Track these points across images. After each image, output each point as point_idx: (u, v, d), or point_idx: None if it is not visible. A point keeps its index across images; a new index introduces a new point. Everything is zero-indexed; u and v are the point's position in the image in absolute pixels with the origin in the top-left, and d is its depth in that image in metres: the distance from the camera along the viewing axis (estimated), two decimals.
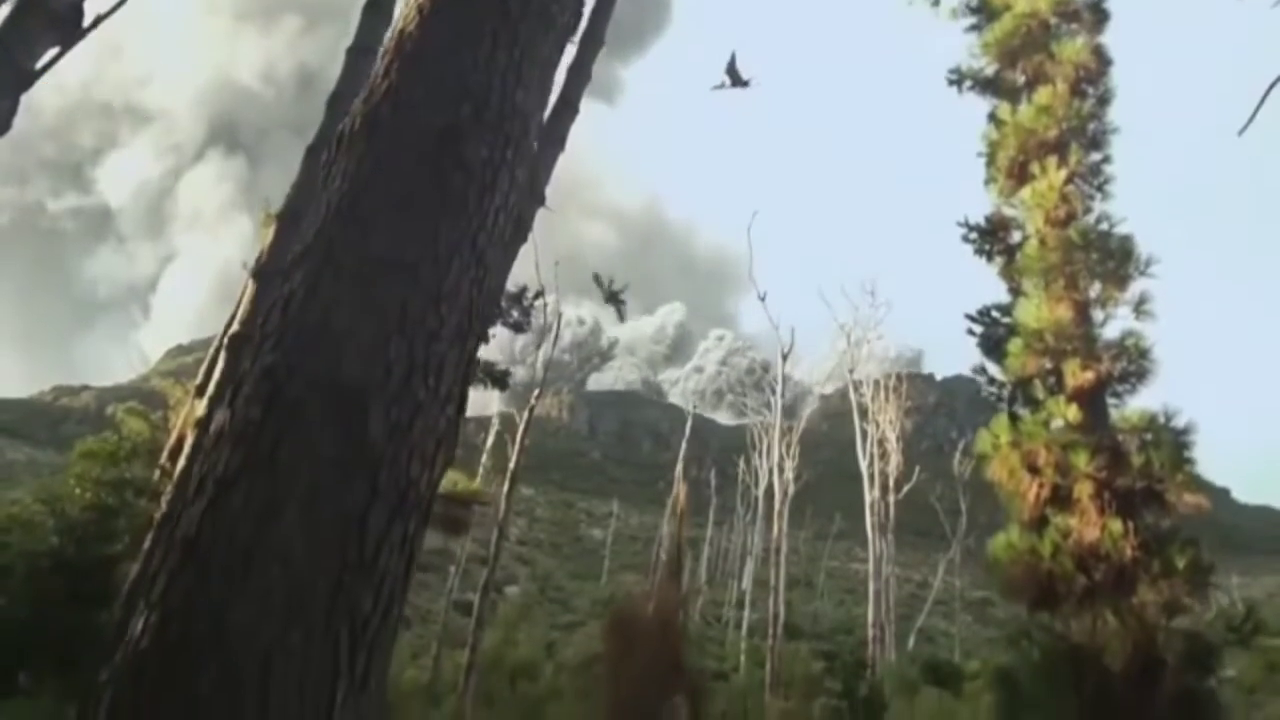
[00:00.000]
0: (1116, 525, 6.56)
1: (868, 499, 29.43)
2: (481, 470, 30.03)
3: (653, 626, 7.22)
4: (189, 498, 2.08)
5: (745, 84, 7.37)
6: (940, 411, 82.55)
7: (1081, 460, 6.77)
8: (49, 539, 9.41)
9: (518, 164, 2.76)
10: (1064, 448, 6.88)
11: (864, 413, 30.91)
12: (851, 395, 31.47)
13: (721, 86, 7.42)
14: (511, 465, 22.72)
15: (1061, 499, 7.06)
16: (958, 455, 36.80)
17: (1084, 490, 6.75)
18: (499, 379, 9.81)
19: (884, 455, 30.51)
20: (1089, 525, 6.68)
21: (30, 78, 3.74)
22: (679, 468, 23.59)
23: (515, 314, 10.21)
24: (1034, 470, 6.99)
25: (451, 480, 9.85)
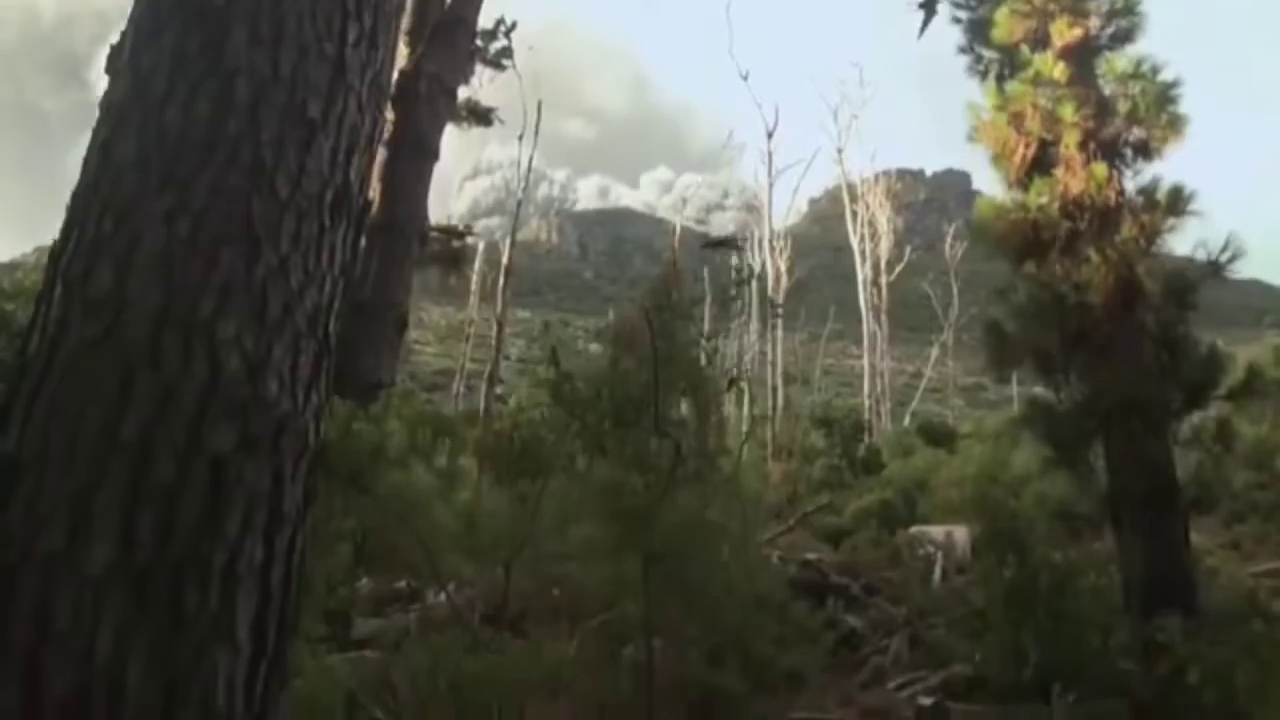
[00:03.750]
0: (1101, 170, 6.65)
1: (860, 277, 29.74)
2: (474, 286, 30.22)
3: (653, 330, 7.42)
4: None
5: None
6: (931, 206, 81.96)
7: (1068, 111, 6.78)
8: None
9: None
10: (1051, 103, 6.88)
11: (854, 195, 30.80)
12: (840, 171, 31.24)
13: None
14: (505, 260, 22.87)
15: (1048, 161, 7.12)
16: (948, 240, 36.90)
17: (1070, 140, 6.80)
18: (482, 115, 9.69)
19: (874, 236, 30.59)
20: (1074, 176, 6.78)
21: None
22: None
23: (492, 50, 9.98)
24: (1021, 130, 7.02)
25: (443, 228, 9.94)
